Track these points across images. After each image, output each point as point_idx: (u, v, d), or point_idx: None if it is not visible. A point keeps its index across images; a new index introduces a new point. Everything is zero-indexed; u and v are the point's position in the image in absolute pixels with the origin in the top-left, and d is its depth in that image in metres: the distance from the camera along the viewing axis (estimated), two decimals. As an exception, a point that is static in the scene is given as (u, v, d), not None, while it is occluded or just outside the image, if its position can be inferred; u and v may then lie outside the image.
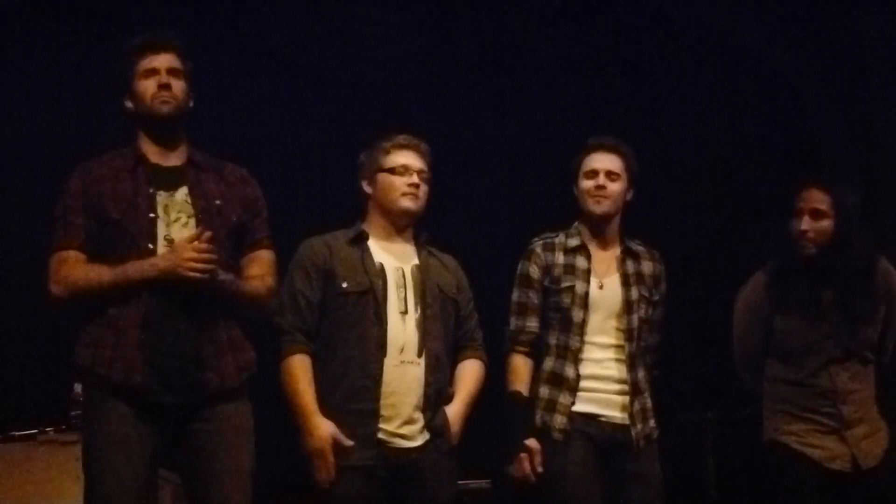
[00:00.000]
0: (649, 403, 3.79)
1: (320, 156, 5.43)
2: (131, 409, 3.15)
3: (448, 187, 3.73)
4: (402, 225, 3.60)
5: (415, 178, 3.56)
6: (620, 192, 3.80)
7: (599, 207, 3.78)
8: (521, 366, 3.76)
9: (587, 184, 3.79)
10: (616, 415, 3.72)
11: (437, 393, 3.51)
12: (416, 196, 3.55)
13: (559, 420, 3.67)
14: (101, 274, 3.19)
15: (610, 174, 3.78)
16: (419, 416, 3.46)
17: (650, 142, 3.97)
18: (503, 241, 5.13)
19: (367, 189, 3.62)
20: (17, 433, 4.21)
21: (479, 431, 3.67)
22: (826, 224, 3.74)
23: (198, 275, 3.14)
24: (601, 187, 3.76)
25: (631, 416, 3.71)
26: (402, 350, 3.45)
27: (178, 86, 3.31)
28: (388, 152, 3.59)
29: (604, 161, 3.80)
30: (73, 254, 3.23)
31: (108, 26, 5.11)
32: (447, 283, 3.62)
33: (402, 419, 3.43)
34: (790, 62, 5.68)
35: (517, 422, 3.71)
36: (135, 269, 3.17)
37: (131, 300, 3.18)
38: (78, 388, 3.79)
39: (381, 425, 3.40)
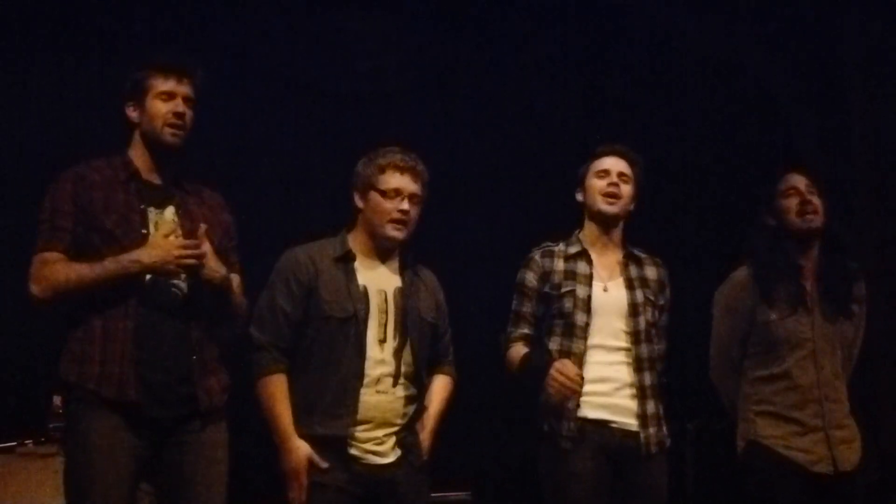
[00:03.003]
0: (660, 410, 3.76)
1: (308, 167, 5.42)
2: (118, 421, 3.15)
3: (437, 197, 3.70)
4: (387, 248, 3.56)
5: (405, 205, 3.47)
6: (630, 195, 3.81)
7: (610, 207, 3.77)
8: (520, 348, 3.74)
9: (599, 183, 3.79)
10: (627, 420, 3.68)
11: (411, 420, 3.50)
12: (403, 224, 3.48)
13: (566, 426, 3.63)
14: (81, 271, 3.19)
15: (622, 176, 3.79)
16: (393, 437, 3.45)
17: (642, 150, 3.99)
18: (493, 253, 5.13)
19: (359, 203, 3.55)
20: (-5, 445, 4.21)
21: (458, 444, 3.68)
22: (818, 201, 3.76)
23: (191, 261, 3.19)
24: (614, 185, 3.77)
25: (642, 419, 3.68)
26: (378, 380, 3.42)
27: (189, 117, 3.33)
28: (382, 171, 3.49)
29: (617, 164, 3.81)
30: (55, 255, 3.22)
31: (102, 36, 5.10)
32: (428, 306, 3.59)
33: (375, 441, 3.42)
34: (775, 74, 5.73)
35: (538, 365, 3.62)
36: (116, 263, 3.18)
37: (118, 313, 3.19)
38: (57, 400, 3.79)
39: (356, 443, 3.39)
